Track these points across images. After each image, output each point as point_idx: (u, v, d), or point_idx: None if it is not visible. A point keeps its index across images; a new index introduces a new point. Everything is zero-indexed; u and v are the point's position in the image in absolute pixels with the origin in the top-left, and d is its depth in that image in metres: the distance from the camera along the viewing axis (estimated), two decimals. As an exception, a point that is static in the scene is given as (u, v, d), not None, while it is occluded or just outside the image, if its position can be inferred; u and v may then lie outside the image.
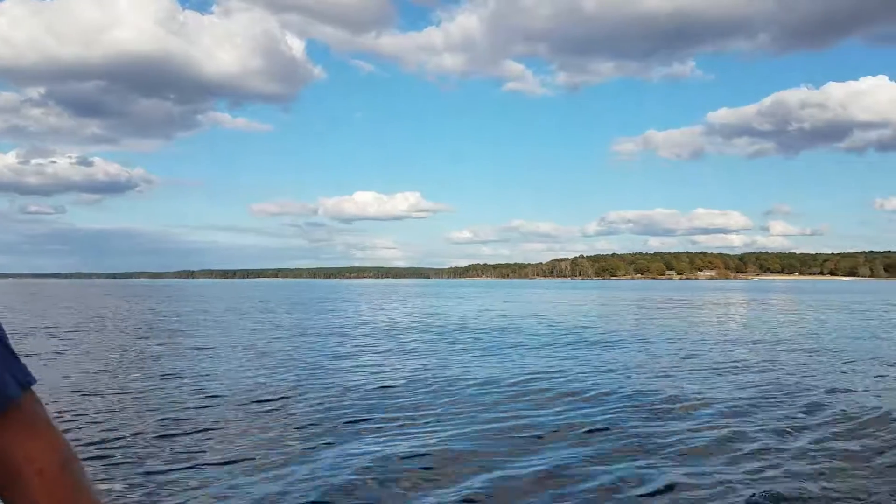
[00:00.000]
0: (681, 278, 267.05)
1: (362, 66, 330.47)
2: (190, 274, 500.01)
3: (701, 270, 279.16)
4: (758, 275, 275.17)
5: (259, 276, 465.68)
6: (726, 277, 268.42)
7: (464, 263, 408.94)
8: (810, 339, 19.46)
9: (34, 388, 0.84)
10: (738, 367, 13.56)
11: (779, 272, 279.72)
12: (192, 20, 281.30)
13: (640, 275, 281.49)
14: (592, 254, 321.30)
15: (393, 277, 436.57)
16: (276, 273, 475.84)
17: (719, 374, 12.52)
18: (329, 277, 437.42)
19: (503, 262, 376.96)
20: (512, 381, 11.50)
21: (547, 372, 12.58)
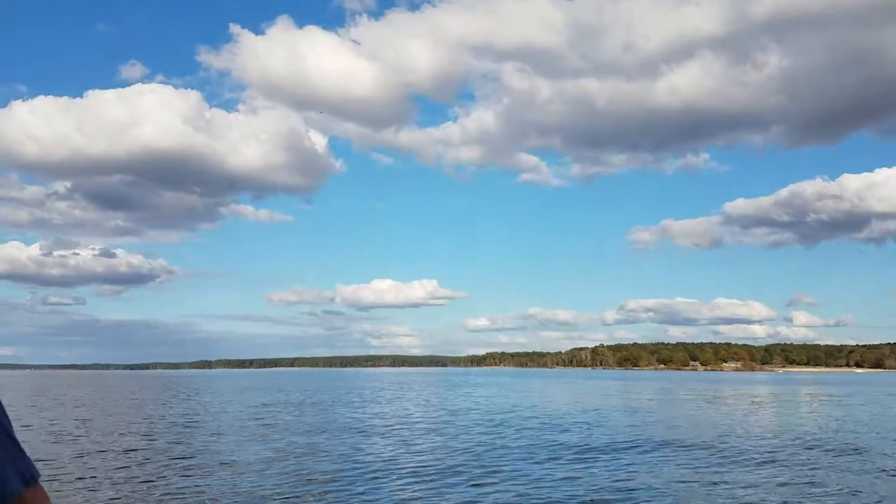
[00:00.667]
0: (705, 369, 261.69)
1: (382, 159, 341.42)
2: (207, 364, 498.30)
3: (726, 362, 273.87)
4: (783, 367, 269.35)
5: (276, 365, 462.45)
6: (752, 369, 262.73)
7: (481, 351, 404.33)
8: (854, 437, 18.47)
9: (41, 482, 0.80)
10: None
11: (804, 364, 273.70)
12: (219, 117, 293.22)
13: (663, 365, 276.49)
14: (613, 343, 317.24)
15: (409, 365, 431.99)
16: (293, 362, 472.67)
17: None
18: (345, 366, 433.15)
19: (521, 351, 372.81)
20: None
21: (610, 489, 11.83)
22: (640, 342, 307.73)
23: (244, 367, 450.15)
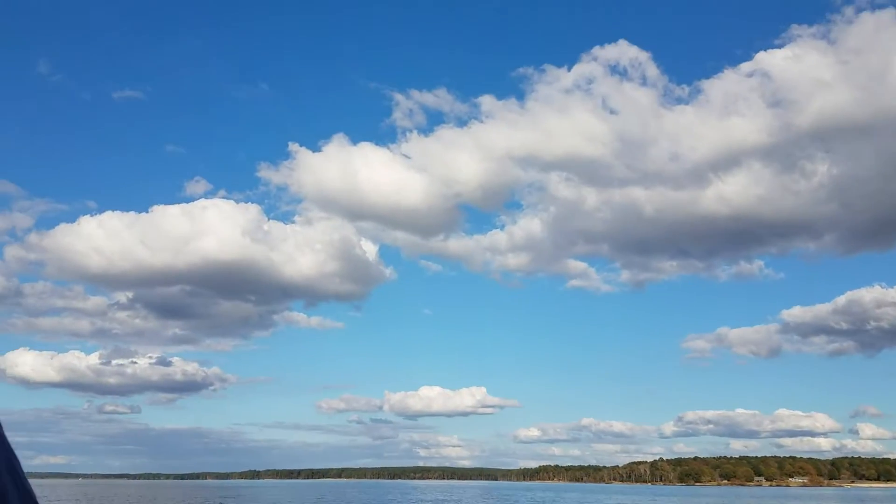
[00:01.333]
0: (770, 485, 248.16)
1: (430, 266, 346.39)
2: (255, 474, 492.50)
3: (791, 476, 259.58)
4: (852, 482, 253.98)
5: (323, 476, 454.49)
6: (819, 485, 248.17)
7: (532, 464, 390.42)
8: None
9: None
10: None
11: (874, 479, 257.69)
12: (276, 229, 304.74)
13: (726, 481, 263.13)
14: (672, 456, 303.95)
15: (459, 478, 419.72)
16: (340, 473, 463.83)
17: None
18: (393, 478, 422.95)
19: (575, 464, 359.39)
20: None
21: None
22: (700, 456, 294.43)
23: (292, 478, 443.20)
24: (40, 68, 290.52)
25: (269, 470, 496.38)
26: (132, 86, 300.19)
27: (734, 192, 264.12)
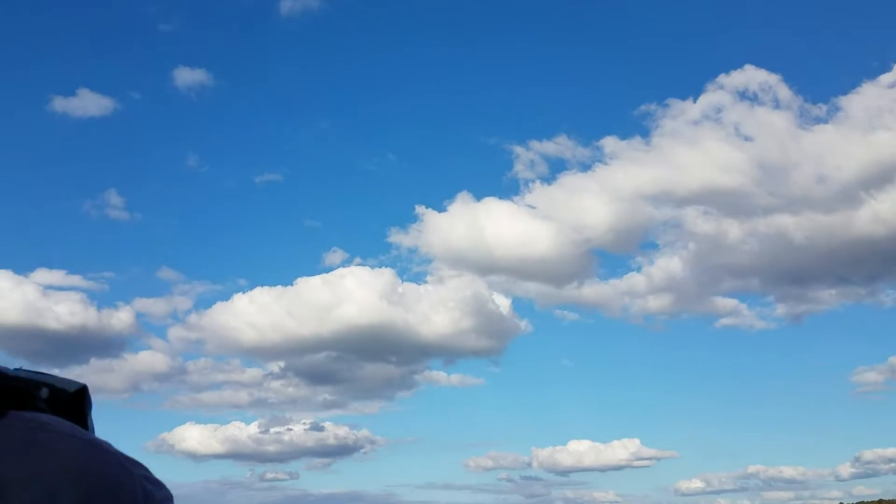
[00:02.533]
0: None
1: (566, 316, 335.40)
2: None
3: None
4: None
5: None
6: None
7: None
8: None
9: None
10: None
11: None
12: (410, 290, 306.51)
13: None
14: (852, 500, 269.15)
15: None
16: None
17: None
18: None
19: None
20: None
21: None
22: (885, 498, 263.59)
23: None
24: (190, 162, 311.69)
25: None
26: (271, 170, 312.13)
27: (890, 209, 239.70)
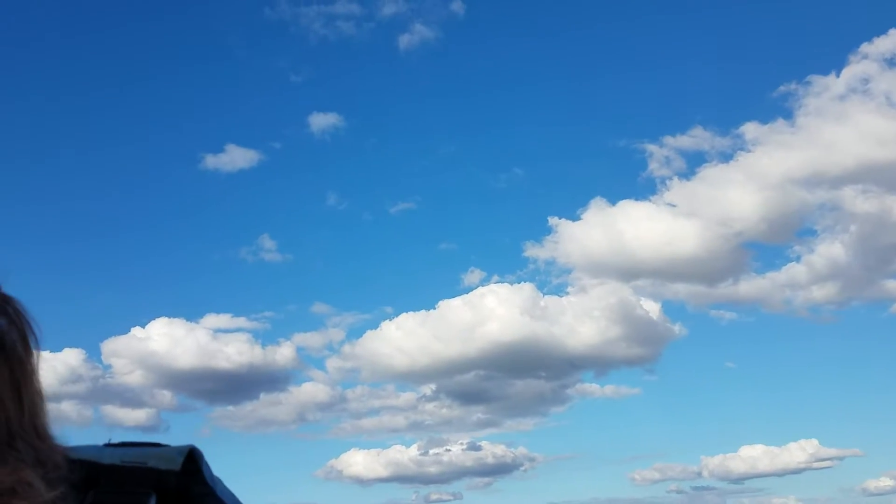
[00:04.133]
0: None
1: (723, 315, 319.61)
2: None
3: None
4: None
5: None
6: None
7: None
8: None
9: None
10: None
11: None
12: (552, 303, 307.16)
13: None
14: None
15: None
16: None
17: None
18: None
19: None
20: None
21: None
22: None
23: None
24: (329, 200, 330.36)
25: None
26: (404, 199, 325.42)
27: None
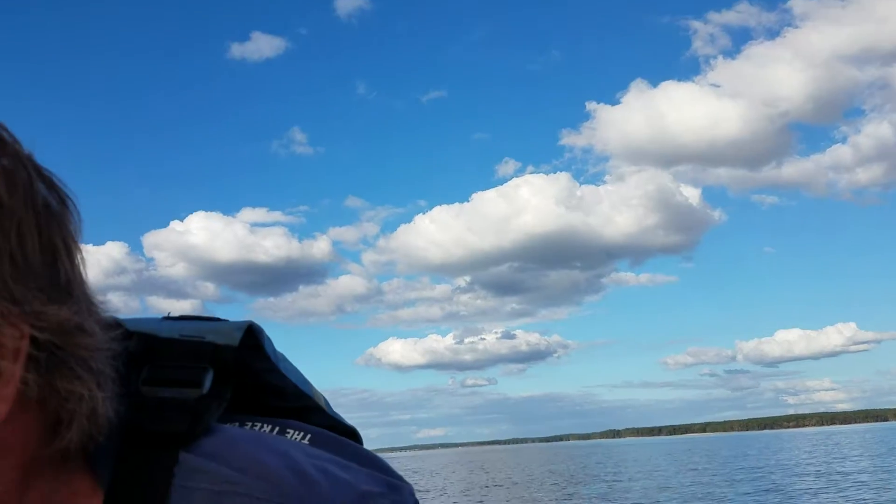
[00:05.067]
0: None
1: (764, 200, 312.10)
2: (615, 433, 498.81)
3: None
4: None
5: (686, 432, 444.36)
6: None
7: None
8: None
9: None
10: None
11: None
12: (589, 193, 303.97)
13: None
14: None
15: (840, 423, 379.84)
16: (704, 427, 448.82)
17: None
18: (763, 428, 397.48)
19: None
20: None
21: None
22: None
23: (653, 435, 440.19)
24: (359, 90, 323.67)
25: (628, 429, 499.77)
26: (436, 87, 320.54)
27: None
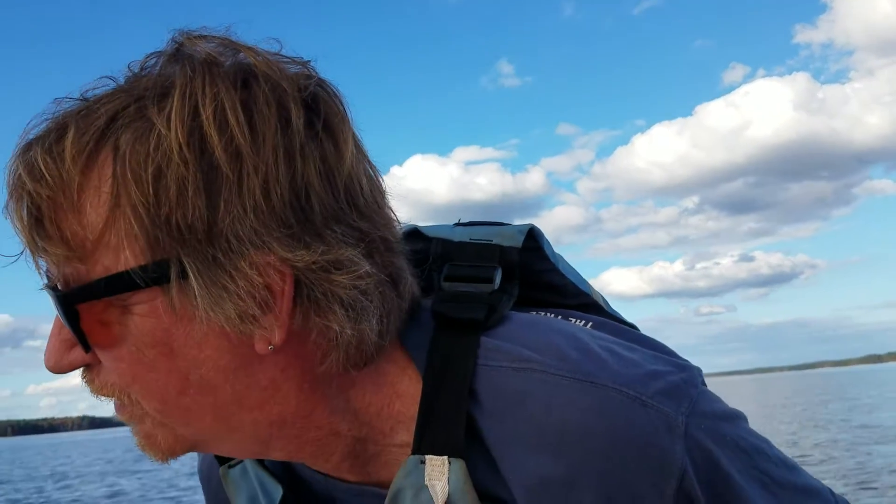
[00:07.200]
0: None
1: None
2: (878, 358, 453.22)
3: None
4: None
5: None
6: None
7: None
8: None
9: None
10: None
11: None
12: (832, 93, 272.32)
13: None
14: None
15: None
16: None
17: None
18: None
19: None
20: None
21: None
22: None
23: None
24: (566, 11, 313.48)
25: (891, 353, 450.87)
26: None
27: None
